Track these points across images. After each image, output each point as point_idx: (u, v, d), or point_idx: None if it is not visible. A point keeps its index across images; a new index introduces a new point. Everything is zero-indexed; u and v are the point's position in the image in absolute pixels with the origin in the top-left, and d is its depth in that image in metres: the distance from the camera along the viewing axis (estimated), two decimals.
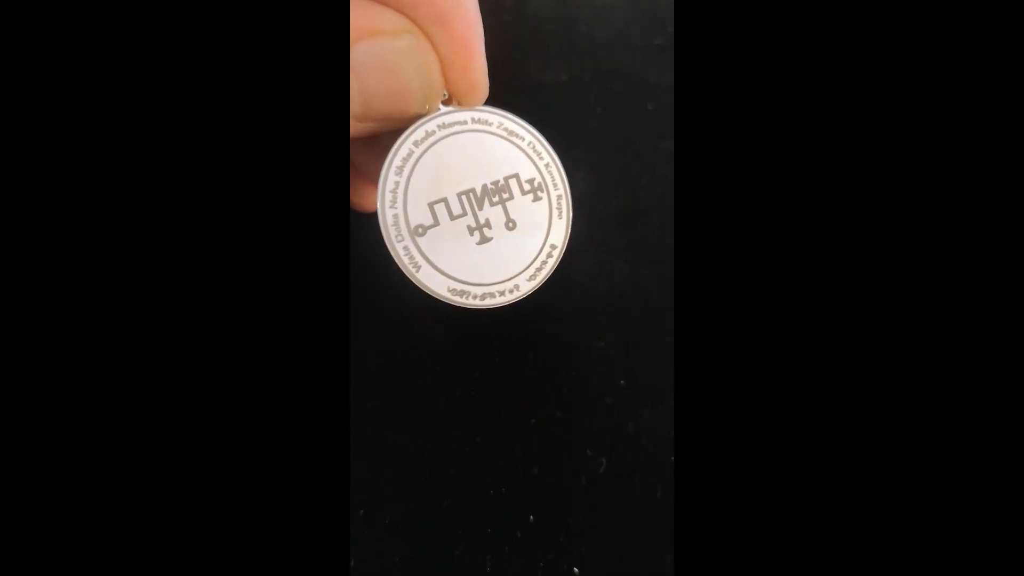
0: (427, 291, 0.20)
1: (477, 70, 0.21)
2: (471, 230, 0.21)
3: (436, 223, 0.21)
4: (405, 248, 0.20)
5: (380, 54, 0.19)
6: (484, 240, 0.21)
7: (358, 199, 0.26)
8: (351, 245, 0.27)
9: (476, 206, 0.21)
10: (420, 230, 0.20)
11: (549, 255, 0.22)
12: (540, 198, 0.22)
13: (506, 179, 0.21)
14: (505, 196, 0.21)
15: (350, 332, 0.27)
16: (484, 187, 0.21)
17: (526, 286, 0.21)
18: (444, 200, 0.21)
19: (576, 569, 0.27)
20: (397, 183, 0.20)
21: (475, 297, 0.21)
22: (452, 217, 0.21)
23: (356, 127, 0.20)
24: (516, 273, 0.21)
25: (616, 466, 0.27)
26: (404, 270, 0.20)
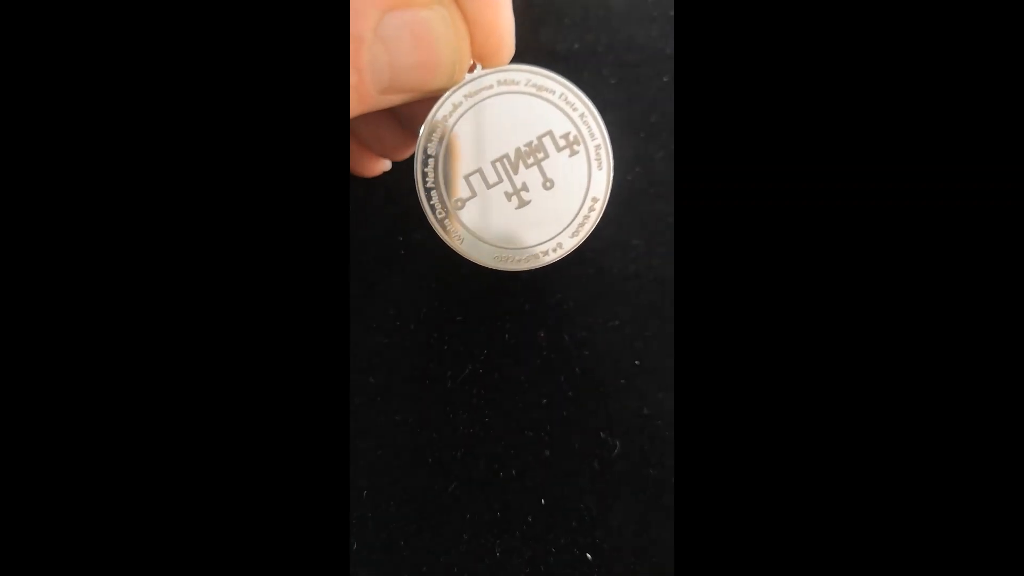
0: (473, 261, 0.21)
1: (505, 31, 0.20)
2: (508, 196, 0.21)
3: (473, 194, 0.21)
4: (447, 224, 0.21)
5: (411, 25, 0.19)
6: (522, 204, 0.21)
7: (356, 167, 0.27)
8: (359, 222, 0.27)
9: (511, 171, 0.21)
10: (459, 204, 0.21)
11: (591, 209, 0.22)
12: (577, 152, 0.21)
13: (539, 138, 0.21)
14: (540, 156, 0.21)
15: (353, 311, 0.27)
16: (518, 151, 0.21)
17: (569, 243, 0.22)
18: (479, 171, 0.21)
19: (588, 555, 0.26)
20: (433, 161, 0.21)
21: (519, 261, 0.22)
22: (489, 186, 0.21)
23: (380, 99, 0.20)
24: (558, 232, 0.21)
25: (630, 450, 0.27)
26: (449, 244, 0.21)
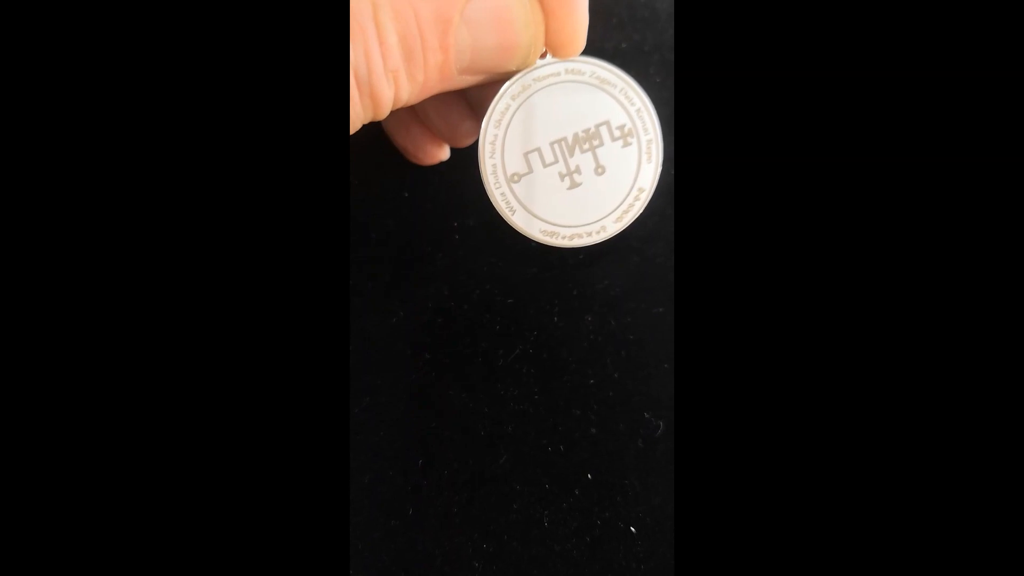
0: (522, 232, 0.23)
1: (578, 25, 0.22)
2: (562, 176, 0.23)
3: (530, 171, 0.23)
4: (502, 194, 0.23)
5: (496, 10, 0.21)
6: (574, 185, 0.23)
7: (418, 153, 0.29)
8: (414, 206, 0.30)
9: (567, 154, 0.23)
10: (516, 178, 0.23)
11: (636, 198, 0.23)
12: (630, 143, 0.23)
13: (597, 126, 0.23)
14: (595, 143, 0.23)
15: (407, 293, 0.29)
16: (575, 135, 0.23)
17: (613, 227, 0.23)
18: (538, 149, 0.23)
19: (633, 528, 0.28)
20: (496, 135, 0.23)
21: (564, 238, 0.23)
22: (545, 165, 0.23)
23: (459, 80, 0.22)
24: (603, 216, 0.23)
25: (673, 429, 0.28)
26: (501, 213, 0.23)
